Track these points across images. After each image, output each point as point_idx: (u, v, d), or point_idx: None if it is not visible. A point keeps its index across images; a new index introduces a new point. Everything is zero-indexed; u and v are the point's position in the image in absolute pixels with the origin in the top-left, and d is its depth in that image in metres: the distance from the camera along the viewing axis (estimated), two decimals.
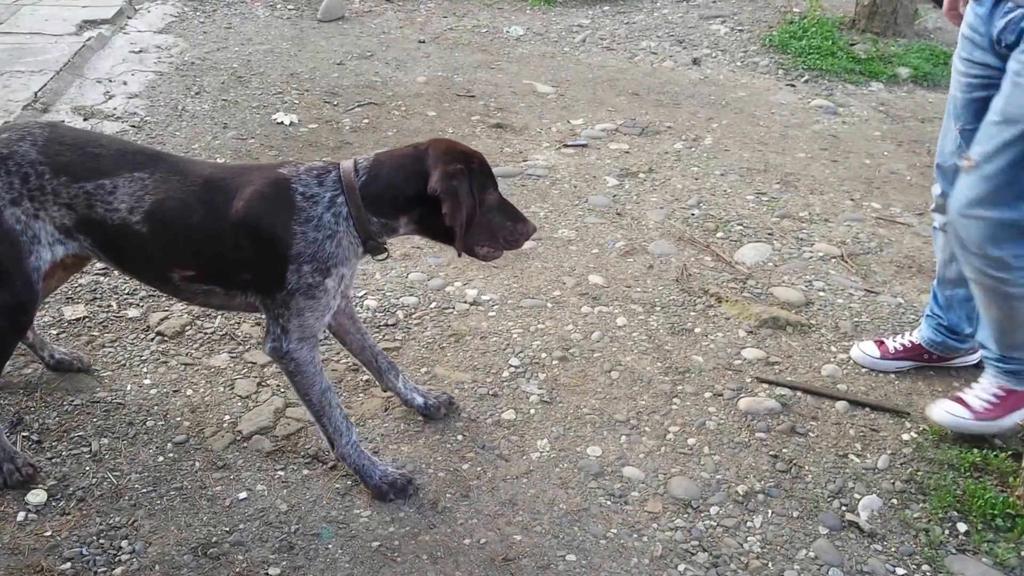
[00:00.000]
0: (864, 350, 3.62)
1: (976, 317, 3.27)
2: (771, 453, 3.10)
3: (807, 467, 3.05)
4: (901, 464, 3.09)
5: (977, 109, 2.97)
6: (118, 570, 2.54)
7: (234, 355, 3.46)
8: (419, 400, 3.19)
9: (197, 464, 2.93)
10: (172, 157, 2.79)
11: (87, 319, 3.60)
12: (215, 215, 2.59)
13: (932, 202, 3.32)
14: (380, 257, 2.77)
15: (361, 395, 3.28)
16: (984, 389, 3.17)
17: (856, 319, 3.90)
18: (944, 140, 3.20)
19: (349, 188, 2.61)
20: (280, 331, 2.68)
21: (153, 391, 3.24)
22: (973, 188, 2.84)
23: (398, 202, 2.63)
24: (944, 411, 3.18)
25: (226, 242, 2.60)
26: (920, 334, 3.55)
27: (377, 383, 3.23)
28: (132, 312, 3.67)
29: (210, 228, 2.60)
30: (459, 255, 2.69)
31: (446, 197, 2.54)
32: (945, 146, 3.19)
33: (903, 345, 3.56)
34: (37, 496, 2.75)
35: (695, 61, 7.31)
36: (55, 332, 3.52)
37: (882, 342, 3.61)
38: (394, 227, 2.69)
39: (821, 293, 4.09)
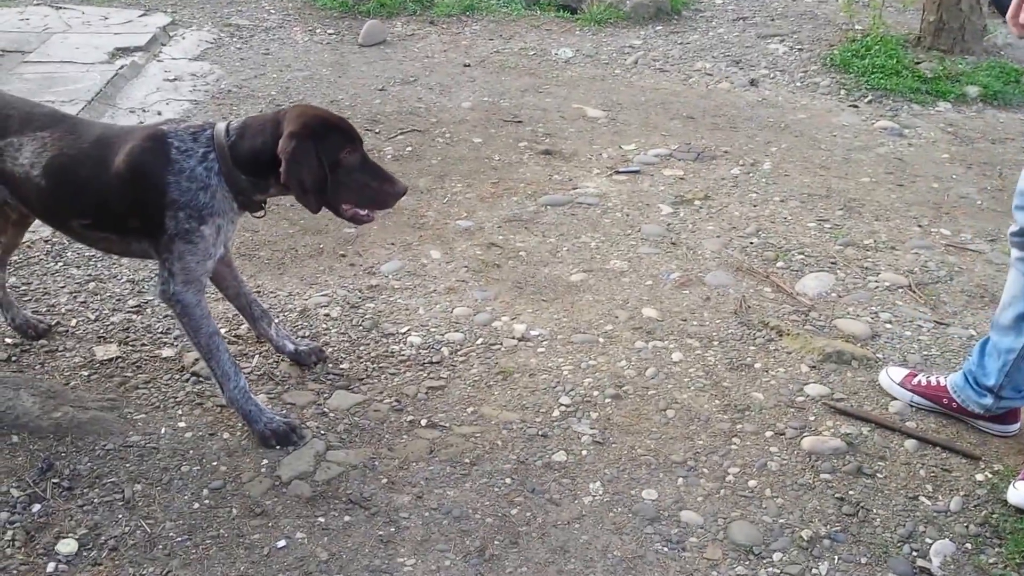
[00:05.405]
0: (891, 374, 3.51)
1: (1009, 375, 3.13)
2: (837, 495, 3.00)
3: (875, 510, 2.95)
4: (975, 506, 2.98)
5: None
6: None
7: (272, 396, 3.38)
8: (290, 347, 3.51)
9: (234, 511, 2.86)
10: (72, 119, 3.16)
11: (120, 359, 3.55)
12: (102, 168, 2.91)
13: (1008, 237, 3.12)
14: (258, 215, 3.06)
15: (405, 436, 3.20)
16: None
17: (925, 352, 3.76)
18: None
19: (219, 147, 2.89)
20: (168, 274, 2.97)
21: (188, 434, 3.18)
22: None
23: (262, 164, 2.88)
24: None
25: (112, 192, 2.91)
26: (951, 376, 3.36)
27: (256, 333, 3.56)
28: (166, 352, 3.62)
29: (98, 180, 2.92)
30: (312, 211, 2.94)
31: (282, 158, 2.78)
32: None
33: (930, 382, 3.39)
34: (67, 546, 2.70)
35: (752, 82, 7.21)
36: (86, 373, 3.47)
37: (915, 373, 3.47)
38: (265, 186, 2.95)
39: (888, 325, 3.96)
